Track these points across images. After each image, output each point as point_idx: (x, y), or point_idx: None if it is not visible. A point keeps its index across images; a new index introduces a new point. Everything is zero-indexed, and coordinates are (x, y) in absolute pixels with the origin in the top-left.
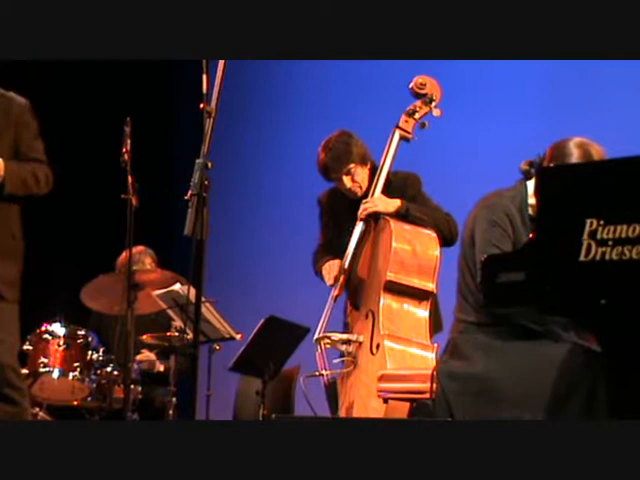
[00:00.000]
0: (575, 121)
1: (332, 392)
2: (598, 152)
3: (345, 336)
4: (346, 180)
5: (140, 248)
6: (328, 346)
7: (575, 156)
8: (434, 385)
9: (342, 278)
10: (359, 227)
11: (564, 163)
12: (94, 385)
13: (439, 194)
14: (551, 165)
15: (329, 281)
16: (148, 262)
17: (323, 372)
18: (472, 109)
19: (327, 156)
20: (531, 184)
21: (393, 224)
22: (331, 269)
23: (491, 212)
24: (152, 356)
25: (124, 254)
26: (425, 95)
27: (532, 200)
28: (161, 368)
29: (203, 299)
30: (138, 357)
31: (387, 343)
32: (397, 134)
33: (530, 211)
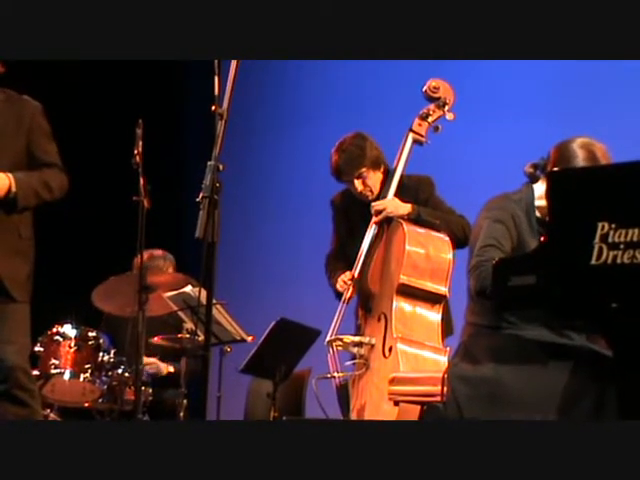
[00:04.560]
0: (586, 122)
1: (344, 394)
2: (602, 152)
3: (357, 338)
4: (357, 184)
5: (159, 252)
6: (340, 348)
7: (580, 157)
8: (445, 388)
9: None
10: (372, 230)
11: (569, 165)
12: (105, 387)
13: (450, 196)
14: (562, 169)
15: (347, 294)
16: (170, 270)
17: (335, 374)
18: (482, 111)
19: (340, 158)
20: (537, 187)
21: (406, 227)
22: (346, 284)
23: (497, 212)
24: (153, 361)
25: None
26: (439, 99)
27: (539, 202)
28: (170, 369)
29: (214, 301)
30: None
31: (400, 346)
32: (410, 137)
33: (537, 213)
